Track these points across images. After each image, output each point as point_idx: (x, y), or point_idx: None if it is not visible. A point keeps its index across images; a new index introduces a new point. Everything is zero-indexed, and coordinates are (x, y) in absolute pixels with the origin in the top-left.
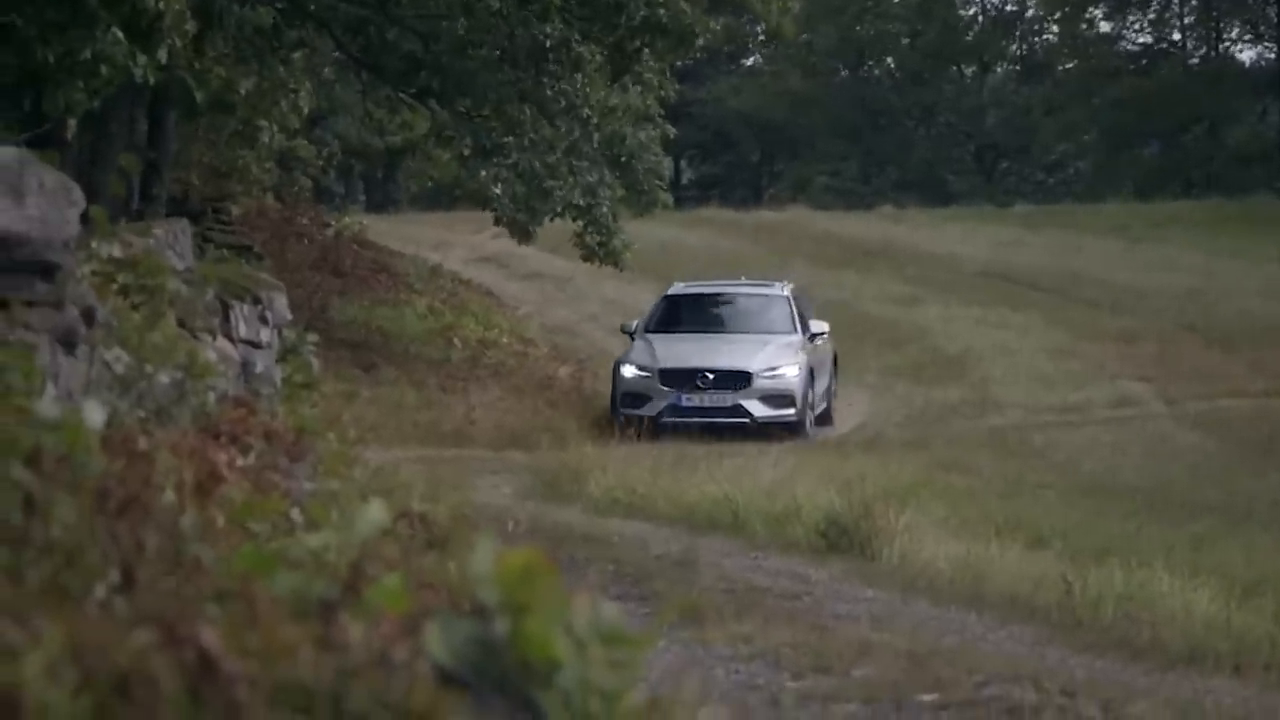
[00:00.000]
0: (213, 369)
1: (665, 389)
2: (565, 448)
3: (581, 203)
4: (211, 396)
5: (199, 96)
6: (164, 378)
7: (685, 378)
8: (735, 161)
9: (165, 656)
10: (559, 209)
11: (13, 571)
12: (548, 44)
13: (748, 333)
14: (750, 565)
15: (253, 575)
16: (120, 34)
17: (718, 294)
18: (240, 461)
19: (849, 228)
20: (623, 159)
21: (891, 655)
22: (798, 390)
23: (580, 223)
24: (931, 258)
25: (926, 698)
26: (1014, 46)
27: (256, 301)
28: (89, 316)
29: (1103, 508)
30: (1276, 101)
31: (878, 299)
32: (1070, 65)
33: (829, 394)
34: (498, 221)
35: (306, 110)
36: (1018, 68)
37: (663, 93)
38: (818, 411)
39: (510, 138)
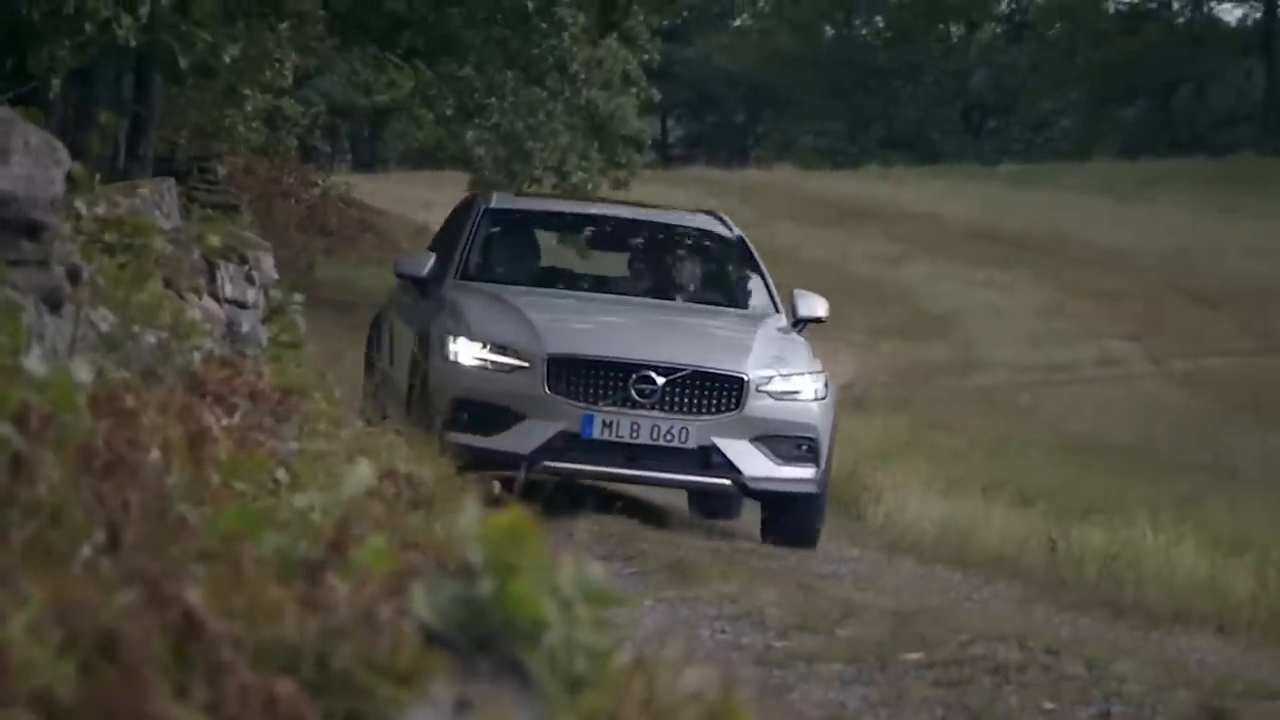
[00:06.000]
0: (198, 329)
1: (558, 400)
2: None
3: (554, 164)
4: (197, 356)
5: (182, 62)
6: (150, 337)
7: (606, 379)
8: (721, 121)
9: (150, 616)
10: (539, 171)
11: None
12: (530, 5)
13: (691, 302)
14: (735, 525)
15: (238, 535)
16: None
17: (607, 217)
18: (226, 421)
19: (835, 187)
20: (600, 125)
21: (877, 614)
22: (822, 430)
23: (557, 190)
24: (918, 217)
25: (911, 656)
26: (1002, 5)
27: (243, 261)
28: (75, 276)
29: (1088, 466)
30: (1262, 61)
31: (864, 258)
32: (1057, 24)
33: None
34: (474, 185)
35: (291, 78)
36: (1005, 27)
37: (646, 57)
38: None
39: (492, 99)
